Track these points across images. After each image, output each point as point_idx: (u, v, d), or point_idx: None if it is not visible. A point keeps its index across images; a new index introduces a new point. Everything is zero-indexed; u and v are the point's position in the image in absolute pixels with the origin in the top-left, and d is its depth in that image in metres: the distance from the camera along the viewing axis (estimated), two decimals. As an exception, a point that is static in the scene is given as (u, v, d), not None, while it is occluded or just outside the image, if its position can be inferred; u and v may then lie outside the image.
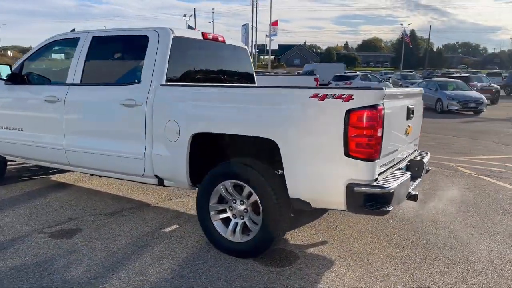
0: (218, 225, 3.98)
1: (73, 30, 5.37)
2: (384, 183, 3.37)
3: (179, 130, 4.02)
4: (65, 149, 4.86)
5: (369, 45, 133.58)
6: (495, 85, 28.26)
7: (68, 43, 5.22)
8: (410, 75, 37.88)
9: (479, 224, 4.91)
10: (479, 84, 27.31)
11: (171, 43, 4.33)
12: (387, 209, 3.32)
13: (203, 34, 4.89)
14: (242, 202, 3.87)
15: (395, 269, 3.76)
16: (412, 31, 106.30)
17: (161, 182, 4.36)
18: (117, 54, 5.01)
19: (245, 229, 3.90)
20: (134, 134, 4.35)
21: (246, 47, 5.84)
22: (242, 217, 3.90)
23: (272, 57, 72.20)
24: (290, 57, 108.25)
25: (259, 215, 3.76)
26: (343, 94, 3.31)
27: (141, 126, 4.27)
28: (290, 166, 3.52)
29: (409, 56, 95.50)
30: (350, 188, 3.33)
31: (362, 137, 3.25)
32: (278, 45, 77.48)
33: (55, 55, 5.74)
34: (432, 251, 4.15)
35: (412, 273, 3.70)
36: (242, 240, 3.86)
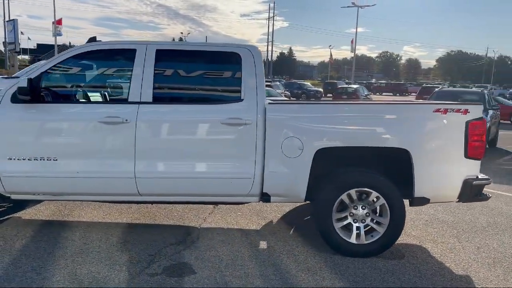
0: (341, 232, 4.27)
1: (93, 38, 4.62)
2: (484, 176, 4.35)
3: (302, 146, 4.14)
4: (136, 177, 4.22)
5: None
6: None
7: (110, 55, 4.48)
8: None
9: None
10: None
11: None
12: (490, 196, 4.34)
13: None
14: (363, 207, 4.27)
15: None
16: (181, 39, 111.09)
17: (266, 199, 4.33)
18: (198, 71, 4.53)
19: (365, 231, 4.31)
20: (240, 153, 4.20)
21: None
22: (363, 221, 4.30)
23: (27, 57, 65.49)
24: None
25: (382, 217, 4.25)
26: (461, 109, 4.16)
27: (250, 145, 4.17)
28: (419, 170, 4.15)
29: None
30: (467, 182, 4.19)
31: (477, 141, 4.16)
32: (37, 44, 69.92)
33: (87, 68, 4.73)
34: None
35: None
36: (368, 241, 4.26)
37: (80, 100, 4.54)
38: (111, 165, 4.23)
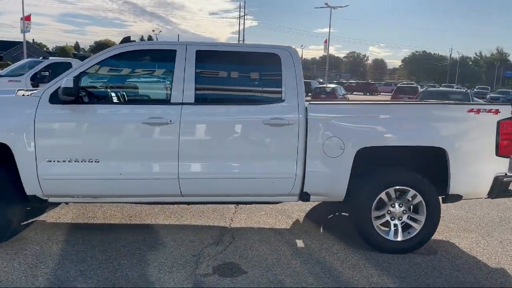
0: (379, 230, 4.39)
1: (128, 38, 4.57)
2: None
3: (343, 146, 4.23)
4: (180, 178, 4.20)
5: (104, 47, 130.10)
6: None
7: (149, 55, 4.44)
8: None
9: None
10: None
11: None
12: None
13: None
14: (400, 205, 4.40)
15: None
16: (150, 37, 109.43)
17: (305, 198, 4.39)
18: (238, 71, 4.53)
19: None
20: (282, 153, 4.26)
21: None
22: (400, 218, 4.43)
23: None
24: (16, 54, 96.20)
25: (418, 214, 4.39)
26: (492, 109, 4.35)
27: (292, 145, 4.23)
28: (454, 168, 4.32)
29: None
30: (497, 179, 4.39)
31: (507, 140, 4.36)
32: (-1, 41, 67.14)
33: (125, 68, 4.62)
34: None
35: None
36: (405, 238, 4.40)
37: (121, 101, 4.46)
38: (154, 166, 4.21)
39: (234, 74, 4.58)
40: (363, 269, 4.06)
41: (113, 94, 4.56)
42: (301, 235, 4.90)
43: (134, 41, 4.55)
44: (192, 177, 4.23)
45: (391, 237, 4.39)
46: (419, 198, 4.34)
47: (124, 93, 4.60)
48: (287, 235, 4.87)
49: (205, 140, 4.27)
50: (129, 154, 4.19)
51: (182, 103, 4.19)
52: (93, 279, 3.67)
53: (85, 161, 4.13)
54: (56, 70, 12.04)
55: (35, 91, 4.50)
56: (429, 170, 4.48)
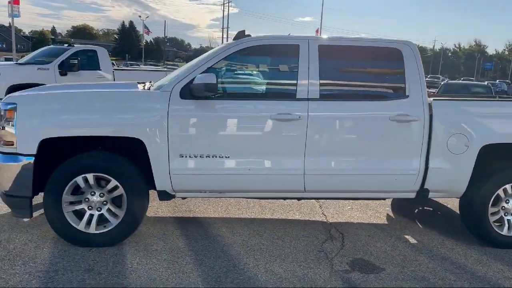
0: (494, 225, 4.48)
1: (242, 32, 4.50)
2: None
3: (468, 143, 4.28)
4: (305, 173, 4.19)
5: (82, 32, 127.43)
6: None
7: (272, 50, 4.39)
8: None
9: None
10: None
11: None
12: None
13: None
14: (507, 201, 4.51)
15: None
16: (131, 23, 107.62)
17: (424, 195, 4.44)
18: (360, 67, 4.50)
19: None
20: (407, 149, 4.29)
21: None
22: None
23: None
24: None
25: None
26: None
27: (417, 141, 4.27)
28: None
29: (131, 48, 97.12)
30: None
31: None
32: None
33: (249, 63, 4.54)
34: None
35: None
36: (518, 233, 4.50)
37: (247, 96, 4.40)
38: (281, 162, 4.19)
39: (356, 69, 4.56)
40: (490, 264, 4.15)
41: (239, 90, 4.50)
42: (404, 230, 4.96)
43: (249, 35, 4.47)
44: (317, 173, 4.23)
45: (505, 232, 4.49)
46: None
47: (250, 88, 4.55)
48: (391, 230, 4.92)
49: (331, 136, 4.27)
50: (257, 150, 4.18)
51: (308, 99, 4.17)
52: (244, 275, 3.66)
53: (216, 157, 4.09)
54: (83, 57, 11.76)
55: (155, 85, 4.44)
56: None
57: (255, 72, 4.67)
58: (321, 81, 4.22)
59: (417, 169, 4.32)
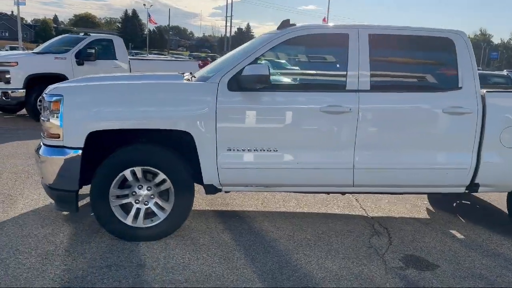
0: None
1: (287, 21, 4.36)
2: None
3: (519, 136, 4.17)
4: (355, 167, 4.09)
5: (85, 21, 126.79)
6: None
7: (321, 40, 4.24)
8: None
9: None
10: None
11: None
12: None
13: None
14: None
15: None
16: (134, 11, 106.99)
17: (474, 189, 4.34)
18: (412, 57, 4.37)
19: None
20: (459, 143, 4.17)
21: None
22: None
23: None
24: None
25: None
26: None
27: (470, 134, 4.14)
28: None
29: (134, 36, 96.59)
30: None
31: None
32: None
33: (296, 53, 4.42)
34: None
35: None
36: None
37: (296, 88, 4.28)
38: (330, 155, 4.08)
39: (407, 59, 4.42)
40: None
41: (287, 81, 4.38)
42: (448, 225, 4.86)
43: (294, 24, 4.34)
44: (367, 167, 4.12)
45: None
46: None
47: (298, 79, 4.42)
48: (435, 225, 4.83)
49: (383, 128, 4.14)
50: (306, 143, 4.06)
51: (358, 90, 4.05)
52: (298, 271, 3.57)
53: (264, 150, 3.98)
54: (99, 47, 11.61)
55: (197, 75, 4.32)
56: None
57: (302, 63, 4.54)
58: (372, 72, 4.09)
59: (469, 163, 4.20)
